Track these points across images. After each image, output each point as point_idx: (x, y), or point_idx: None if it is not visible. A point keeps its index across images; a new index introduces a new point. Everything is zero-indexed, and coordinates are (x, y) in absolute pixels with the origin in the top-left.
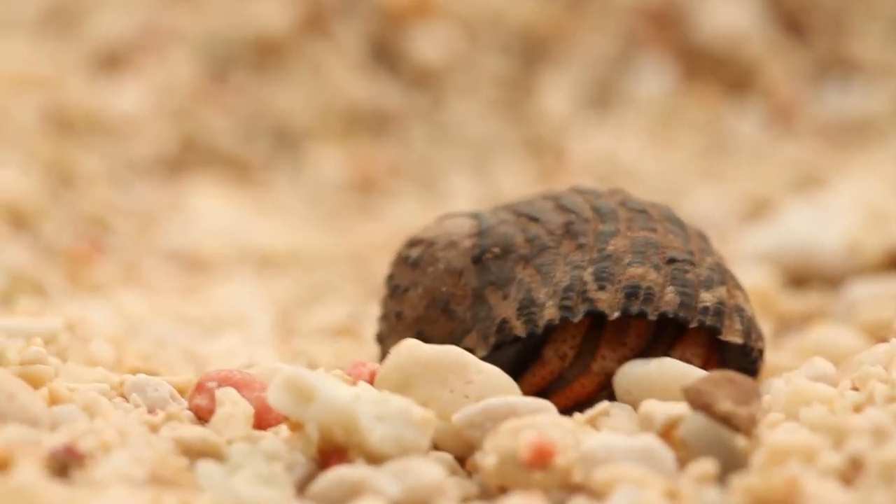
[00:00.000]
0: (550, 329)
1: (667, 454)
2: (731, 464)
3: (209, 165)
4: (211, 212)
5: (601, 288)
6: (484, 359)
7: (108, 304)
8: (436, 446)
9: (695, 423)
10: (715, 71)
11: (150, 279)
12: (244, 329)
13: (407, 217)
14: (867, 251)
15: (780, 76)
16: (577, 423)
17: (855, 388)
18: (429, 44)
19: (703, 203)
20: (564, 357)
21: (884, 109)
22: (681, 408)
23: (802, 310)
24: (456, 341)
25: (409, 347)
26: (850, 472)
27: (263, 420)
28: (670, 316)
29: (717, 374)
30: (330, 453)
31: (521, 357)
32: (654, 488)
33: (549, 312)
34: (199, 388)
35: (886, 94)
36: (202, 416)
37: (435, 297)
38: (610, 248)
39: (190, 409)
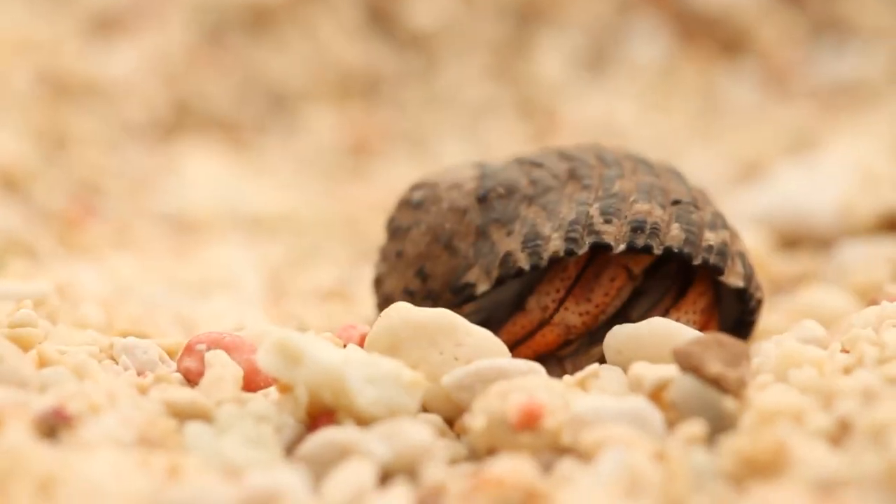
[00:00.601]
0: (537, 279)
1: (656, 416)
2: (720, 425)
3: (203, 129)
4: (203, 175)
5: (607, 221)
6: (486, 293)
7: (98, 267)
8: (425, 408)
9: (684, 384)
10: (709, 34)
11: (141, 242)
12: (235, 292)
13: (400, 180)
14: (859, 213)
15: (774, 39)
16: (566, 385)
17: (845, 351)
18: (423, 8)
19: (696, 165)
20: (546, 309)
21: (878, 72)
22: (670, 370)
23: (794, 272)
24: (458, 276)
25: (399, 310)
26: (839, 434)
27: (252, 382)
28: (675, 250)
29: (708, 336)
30: (319, 415)
31: (520, 298)
32: (643, 450)
33: (554, 245)
34: (189, 350)
35: (881, 58)
36: (191, 379)
37: (437, 233)
38: (615, 188)
39: (179, 371)
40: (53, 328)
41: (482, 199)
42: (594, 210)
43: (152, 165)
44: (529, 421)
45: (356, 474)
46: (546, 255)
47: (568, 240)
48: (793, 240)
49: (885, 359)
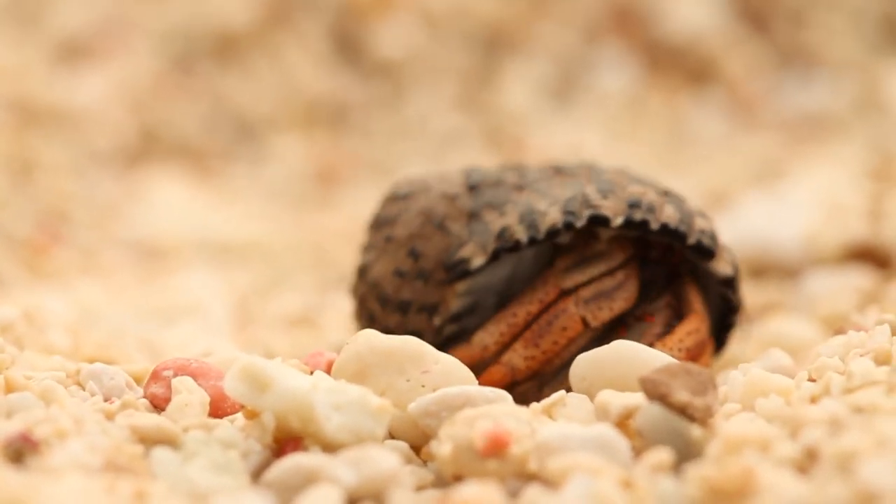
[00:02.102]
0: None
1: (622, 443)
2: (687, 454)
3: (170, 156)
4: (171, 202)
5: (604, 197)
6: (480, 270)
7: (65, 294)
8: (392, 435)
9: (651, 413)
10: (677, 64)
11: (108, 269)
12: (202, 318)
13: (367, 208)
14: (825, 244)
15: (741, 70)
16: (532, 413)
17: (811, 380)
18: (391, 37)
19: None
20: (486, 349)
21: (844, 103)
22: (637, 398)
23: (761, 301)
24: (452, 253)
25: (367, 337)
26: (806, 463)
27: (219, 409)
28: (671, 227)
29: (674, 364)
30: (285, 442)
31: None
32: (609, 477)
33: (552, 217)
34: (155, 376)
35: (847, 88)
36: (158, 405)
37: (429, 215)
38: (606, 178)
39: (146, 397)
40: (20, 354)
41: (473, 187)
42: (590, 189)
43: (119, 192)
44: (496, 448)
45: (323, 500)
46: (543, 228)
47: (566, 213)
48: (760, 269)
49: (852, 388)
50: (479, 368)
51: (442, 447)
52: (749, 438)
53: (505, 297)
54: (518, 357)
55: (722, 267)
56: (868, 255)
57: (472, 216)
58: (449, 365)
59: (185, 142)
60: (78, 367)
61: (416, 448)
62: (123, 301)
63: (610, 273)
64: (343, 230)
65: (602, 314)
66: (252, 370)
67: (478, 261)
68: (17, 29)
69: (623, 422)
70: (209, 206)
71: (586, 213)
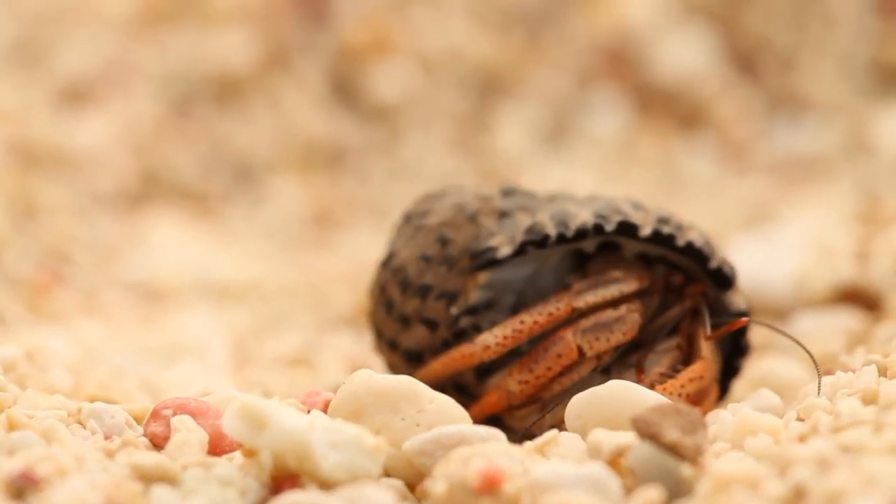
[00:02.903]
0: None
1: (613, 482)
2: (677, 492)
3: (170, 198)
4: (171, 244)
5: (636, 209)
6: (506, 260)
7: (67, 334)
8: (387, 473)
9: (642, 451)
10: (668, 108)
11: (109, 309)
12: (201, 358)
13: (363, 250)
14: (815, 285)
15: (732, 114)
16: (526, 452)
17: (800, 419)
18: (387, 80)
19: None
20: (487, 349)
21: (833, 147)
22: (628, 437)
23: (751, 342)
24: (479, 243)
25: (363, 377)
26: (794, 501)
27: (218, 447)
28: (696, 246)
29: (665, 404)
30: (283, 480)
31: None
32: None
33: (583, 218)
34: (155, 415)
35: (836, 132)
36: (157, 443)
37: (462, 208)
38: (636, 200)
39: (146, 435)
40: (22, 393)
41: (507, 192)
42: (621, 202)
43: (120, 234)
44: (489, 486)
45: None
46: (574, 226)
47: (597, 216)
48: (750, 310)
49: (840, 427)
50: (481, 373)
51: (436, 485)
52: (738, 477)
53: (522, 300)
54: (513, 382)
55: (738, 301)
56: (856, 297)
57: (504, 214)
58: (443, 404)
59: (185, 184)
60: (79, 405)
61: (411, 486)
62: (124, 341)
63: (614, 304)
64: (339, 272)
65: (598, 345)
66: (250, 409)
67: (505, 250)
68: (20, 72)
69: (615, 460)
70: (208, 247)
71: (616, 219)
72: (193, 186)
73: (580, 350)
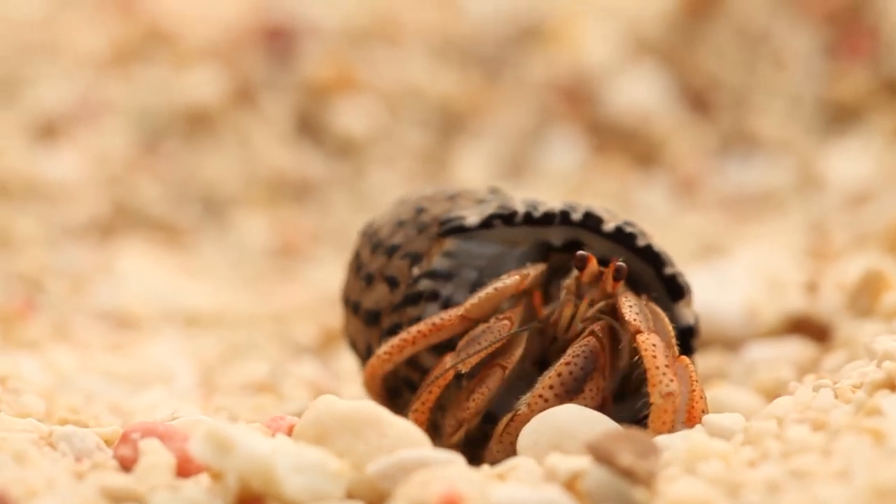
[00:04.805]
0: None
1: None
2: None
3: (140, 230)
4: (140, 273)
5: (606, 212)
6: (473, 229)
7: (39, 360)
8: (350, 495)
9: (597, 475)
10: (624, 145)
11: (80, 336)
12: (169, 384)
13: (326, 281)
14: (765, 316)
15: (685, 151)
16: (485, 475)
17: (750, 445)
18: (351, 116)
19: None
20: (377, 356)
21: (783, 183)
22: (583, 461)
23: (702, 371)
24: (450, 213)
25: (327, 403)
26: None
27: (185, 469)
28: (655, 249)
29: (619, 430)
30: (248, 501)
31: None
32: None
33: (553, 205)
34: (124, 438)
35: (785, 169)
36: (126, 466)
37: (445, 190)
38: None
39: (115, 458)
40: None
41: (492, 190)
42: (595, 206)
43: (91, 264)
44: None
45: None
46: (542, 209)
47: (567, 205)
48: (702, 340)
49: (788, 453)
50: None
51: None
52: (690, 500)
53: (483, 279)
54: (409, 412)
55: (686, 315)
56: (806, 328)
57: (482, 201)
58: (404, 429)
59: (154, 216)
60: (50, 429)
61: None
62: (95, 367)
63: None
64: (303, 302)
65: (470, 359)
66: (216, 433)
67: (472, 220)
68: None
69: (571, 483)
70: (177, 277)
71: (582, 210)
72: (163, 218)
73: (456, 368)
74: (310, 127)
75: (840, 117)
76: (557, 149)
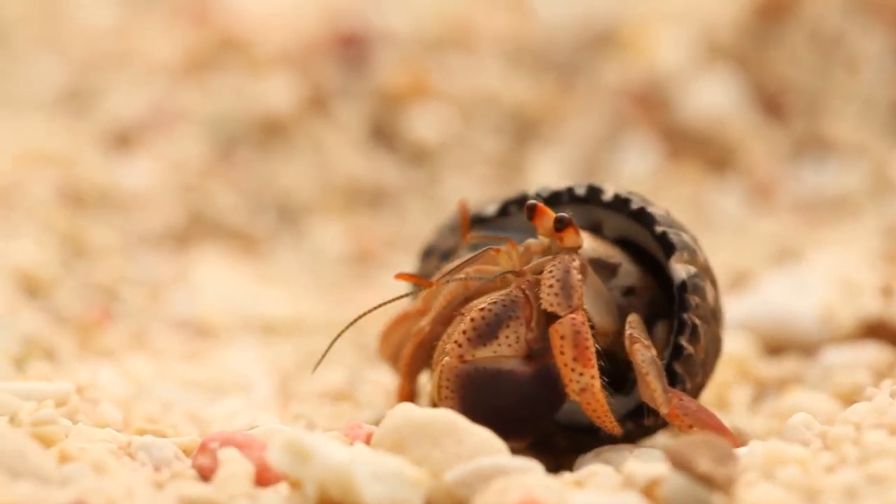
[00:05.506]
0: None
1: None
2: None
3: (215, 238)
4: (216, 282)
5: (629, 192)
6: (492, 219)
7: (116, 369)
8: (428, 503)
9: (675, 482)
10: (697, 150)
11: (157, 345)
12: (246, 393)
13: (402, 288)
14: (841, 321)
15: (759, 155)
16: (563, 483)
17: (828, 450)
18: (425, 123)
19: None
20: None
21: (857, 186)
22: (662, 467)
23: (779, 376)
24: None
25: (404, 411)
26: None
27: (264, 479)
28: (647, 210)
29: (697, 436)
30: None
31: None
32: None
33: (560, 185)
34: (203, 448)
35: (860, 172)
36: (205, 475)
37: None
38: None
39: (194, 467)
40: (74, 426)
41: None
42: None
43: (167, 272)
44: None
45: None
46: (551, 189)
47: (574, 183)
48: (778, 345)
49: (866, 458)
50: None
51: None
52: None
53: None
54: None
55: (679, 271)
56: (882, 332)
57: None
58: (481, 437)
59: (229, 224)
60: (129, 439)
61: None
62: (172, 376)
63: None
64: (380, 309)
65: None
66: (294, 442)
67: (490, 210)
68: (70, 117)
69: (649, 490)
70: (253, 285)
71: (586, 183)
72: (238, 226)
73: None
74: (384, 134)
75: None
76: (631, 154)
